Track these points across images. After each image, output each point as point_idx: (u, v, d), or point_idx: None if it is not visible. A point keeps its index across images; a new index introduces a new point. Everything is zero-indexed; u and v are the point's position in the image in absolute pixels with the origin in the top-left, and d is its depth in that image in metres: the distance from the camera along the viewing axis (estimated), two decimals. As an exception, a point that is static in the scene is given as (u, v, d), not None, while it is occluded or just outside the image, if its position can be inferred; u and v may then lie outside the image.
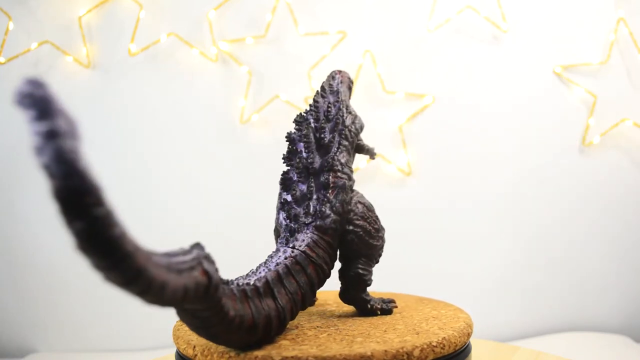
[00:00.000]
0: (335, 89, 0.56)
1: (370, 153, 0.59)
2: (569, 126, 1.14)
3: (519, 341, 1.09)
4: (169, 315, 0.75)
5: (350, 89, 0.60)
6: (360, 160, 1.13)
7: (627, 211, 1.14)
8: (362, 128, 0.56)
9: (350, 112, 0.55)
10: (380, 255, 0.52)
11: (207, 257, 0.33)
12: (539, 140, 1.14)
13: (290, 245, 0.47)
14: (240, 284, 0.39)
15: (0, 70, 1.12)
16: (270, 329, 0.41)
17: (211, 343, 0.42)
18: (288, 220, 0.49)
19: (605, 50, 1.13)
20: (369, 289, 0.53)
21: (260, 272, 0.43)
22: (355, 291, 0.51)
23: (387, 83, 1.13)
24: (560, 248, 1.14)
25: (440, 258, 1.15)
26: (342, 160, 0.51)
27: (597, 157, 1.14)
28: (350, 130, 0.53)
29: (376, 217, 0.52)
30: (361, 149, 0.57)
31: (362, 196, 0.52)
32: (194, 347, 0.43)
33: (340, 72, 0.59)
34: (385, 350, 0.40)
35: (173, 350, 0.71)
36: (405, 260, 1.14)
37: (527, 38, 1.14)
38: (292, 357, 0.38)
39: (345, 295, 0.51)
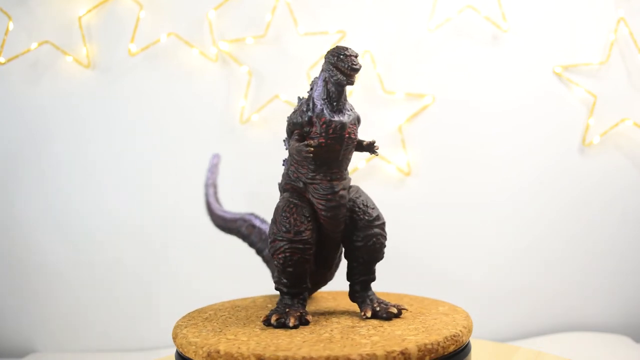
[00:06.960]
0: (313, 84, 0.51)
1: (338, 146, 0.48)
2: (569, 126, 1.14)
3: (519, 341, 1.09)
4: (168, 316, 0.75)
5: (333, 64, 0.46)
6: (359, 159, 1.12)
7: (627, 211, 1.14)
8: (294, 124, 0.49)
9: (301, 107, 0.49)
10: (280, 265, 0.47)
11: (250, 219, 0.69)
12: (539, 140, 1.14)
13: None
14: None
15: (0, 70, 1.12)
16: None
17: (213, 344, 0.42)
18: None
19: (605, 50, 1.12)
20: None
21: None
22: None
23: (387, 83, 1.13)
24: (560, 248, 1.14)
25: (440, 258, 1.15)
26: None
27: (597, 157, 1.13)
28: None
29: (281, 222, 0.48)
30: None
31: (281, 200, 0.51)
32: (196, 348, 0.43)
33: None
34: (383, 351, 0.40)
35: (173, 351, 0.71)
36: (405, 260, 1.13)
37: (527, 38, 1.13)
38: (321, 357, 0.38)
39: None
